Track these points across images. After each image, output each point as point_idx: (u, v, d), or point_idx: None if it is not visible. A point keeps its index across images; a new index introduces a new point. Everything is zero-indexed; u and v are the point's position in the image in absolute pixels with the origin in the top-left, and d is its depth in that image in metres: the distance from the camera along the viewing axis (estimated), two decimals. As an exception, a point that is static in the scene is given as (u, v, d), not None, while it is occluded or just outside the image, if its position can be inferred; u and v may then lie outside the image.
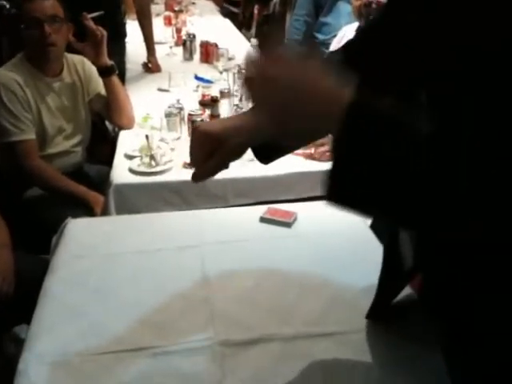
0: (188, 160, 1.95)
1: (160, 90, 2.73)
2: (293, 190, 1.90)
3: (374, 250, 1.21)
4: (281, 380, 0.94)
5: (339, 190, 0.64)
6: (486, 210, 0.57)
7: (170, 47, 3.55)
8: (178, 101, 2.25)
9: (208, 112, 2.16)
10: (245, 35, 4.39)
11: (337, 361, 0.99)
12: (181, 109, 2.18)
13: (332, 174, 0.63)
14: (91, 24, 2.15)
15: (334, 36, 2.43)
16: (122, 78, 2.86)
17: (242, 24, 4.85)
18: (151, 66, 3.12)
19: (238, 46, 3.56)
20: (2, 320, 1.62)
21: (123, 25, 3.23)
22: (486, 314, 0.68)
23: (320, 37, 2.77)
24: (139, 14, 3.16)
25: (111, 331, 1.10)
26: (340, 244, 1.37)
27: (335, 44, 2.35)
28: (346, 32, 2.32)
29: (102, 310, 1.17)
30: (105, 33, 2.15)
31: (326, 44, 2.56)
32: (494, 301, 0.66)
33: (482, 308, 0.68)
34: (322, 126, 0.67)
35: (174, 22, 3.98)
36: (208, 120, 1.97)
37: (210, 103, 2.15)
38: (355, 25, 2.28)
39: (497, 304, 0.66)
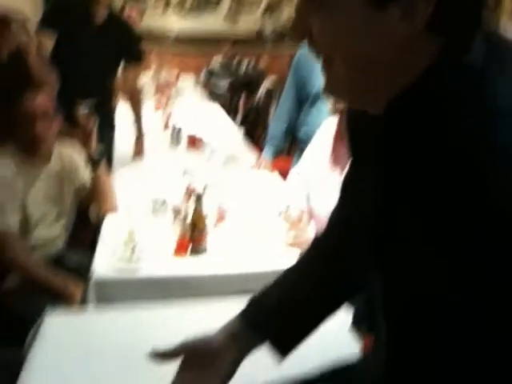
0: (171, 252, 1.98)
1: (146, 175, 2.78)
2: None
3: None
4: None
5: None
6: None
7: (159, 132, 3.63)
8: (163, 190, 2.29)
9: (193, 201, 2.20)
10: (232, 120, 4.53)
11: None
12: (165, 200, 2.21)
13: None
14: (83, 113, 2.20)
15: (316, 130, 2.52)
16: (110, 163, 2.92)
17: (229, 113, 5.01)
18: (136, 150, 3.20)
19: (224, 132, 3.67)
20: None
21: (114, 113, 3.33)
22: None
23: (302, 130, 2.88)
24: (131, 101, 3.27)
25: None
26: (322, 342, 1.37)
27: (316, 139, 2.44)
28: (325, 127, 2.42)
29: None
30: (96, 122, 2.21)
31: (308, 137, 2.65)
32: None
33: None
34: None
35: (163, 106, 4.09)
36: (192, 213, 2.01)
37: (194, 194, 2.19)
38: (335, 119, 2.36)
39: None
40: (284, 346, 0.96)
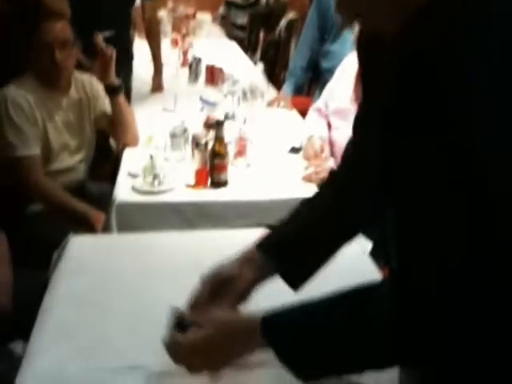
0: (191, 181, 1.98)
1: (165, 110, 2.76)
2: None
3: (371, 277, 1.21)
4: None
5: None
6: None
7: (176, 68, 3.59)
8: (183, 122, 2.27)
9: (212, 134, 2.18)
10: (250, 58, 4.44)
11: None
12: (185, 130, 2.20)
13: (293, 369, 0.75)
14: (101, 43, 2.18)
15: (339, 63, 2.45)
16: (128, 97, 2.89)
17: (248, 48, 4.90)
18: (154, 85, 3.16)
19: (243, 68, 3.61)
20: (-2, 335, 1.62)
21: (131, 45, 3.28)
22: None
23: (324, 64, 2.81)
24: (148, 33, 3.21)
25: (109, 349, 1.10)
26: (338, 270, 1.38)
27: (339, 73, 2.38)
28: (349, 60, 2.35)
29: (101, 329, 1.17)
30: (114, 52, 2.18)
31: (331, 71, 2.59)
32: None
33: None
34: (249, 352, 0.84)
35: (180, 43, 4.04)
36: (212, 142, 1.99)
37: (214, 125, 2.17)
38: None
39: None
40: (295, 279, 0.98)
